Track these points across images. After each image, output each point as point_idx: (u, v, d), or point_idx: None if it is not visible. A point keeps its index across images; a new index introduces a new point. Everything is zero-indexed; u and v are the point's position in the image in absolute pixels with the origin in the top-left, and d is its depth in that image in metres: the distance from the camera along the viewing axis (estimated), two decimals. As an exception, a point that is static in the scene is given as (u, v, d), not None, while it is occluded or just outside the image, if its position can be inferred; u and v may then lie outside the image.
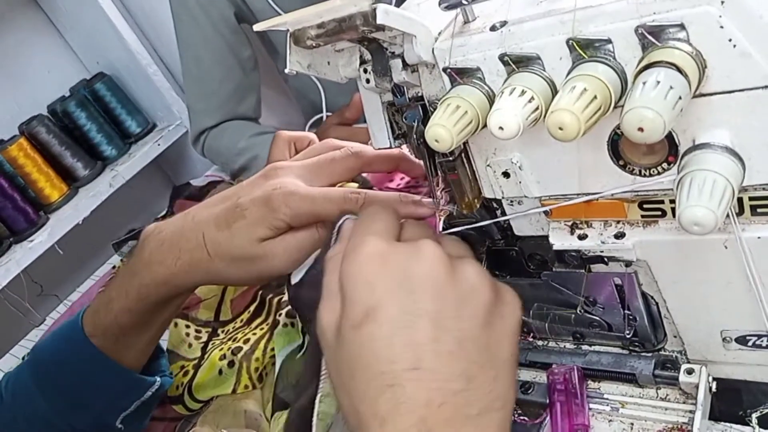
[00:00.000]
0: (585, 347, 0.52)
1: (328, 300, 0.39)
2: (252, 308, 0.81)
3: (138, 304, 0.52)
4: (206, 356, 0.75)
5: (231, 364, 0.72)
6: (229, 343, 0.75)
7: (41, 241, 1.29)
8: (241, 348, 0.73)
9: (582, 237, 0.43)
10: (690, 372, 0.45)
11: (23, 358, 0.60)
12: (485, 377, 0.36)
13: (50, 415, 0.56)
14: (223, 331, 0.80)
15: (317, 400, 0.41)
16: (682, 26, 0.32)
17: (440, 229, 0.49)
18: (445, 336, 0.35)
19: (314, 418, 0.41)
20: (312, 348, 0.44)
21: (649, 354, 0.49)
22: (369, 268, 0.37)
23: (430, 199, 0.49)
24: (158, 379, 0.60)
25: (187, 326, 0.81)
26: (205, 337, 0.80)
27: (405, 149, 0.53)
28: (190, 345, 0.79)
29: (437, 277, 0.37)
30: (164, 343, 0.78)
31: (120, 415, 0.58)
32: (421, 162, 0.49)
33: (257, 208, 0.47)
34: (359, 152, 0.50)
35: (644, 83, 0.30)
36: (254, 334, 0.75)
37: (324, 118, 1.10)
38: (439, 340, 0.35)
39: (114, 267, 1.12)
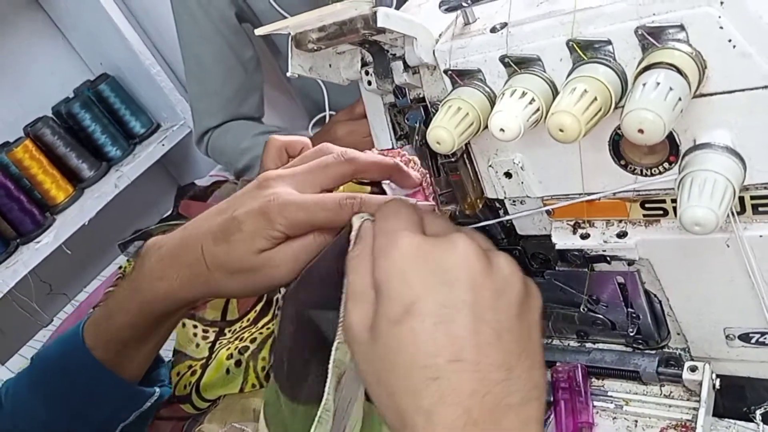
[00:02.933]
0: (589, 345, 0.52)
1: (357, 300, 0.40)
2: (258, 308, 0.81)
3: (140, 319, 0.52)
4: (214, 356, 0.76)
5: (238, 363, 0.72)
6: (236, 342, 0.76)
7: (48, 242, 1.30)
8: (248, 347, 0.73)
9: (584, 236, 0.44)
10: (693, 369, 0.45)
11: (32, 359, 0.61)
12: (522, 367, 0.37)
13: (50, 423, 0.57)
14: (230, 331, 0.81)
15: (334, 347, 0.42)
16: (681, 27, 0.32)
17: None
18: (483, 327, 0.36)
19: (330, 364, 0.41)
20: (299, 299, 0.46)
21: (653, 351, 0.49)
22: (406, 264, 0.38)
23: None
24: (157, 389, 0.61)
25: (195, 326, 0.81)
26: (212, 337, 0.80)
27: (408, 149, 0.53)
28: (197, 345, 0.79)
29: (473, 269, 0.37)
30: (172, 343, 0.79)
31: (119, 426, 0.59)
32: (415, 174, 0.49)
33: (253, 220, 0.47)
34: (353, 158, 0.49)
35: (644, 85, 0.30)
36: (261, 333, 0.75)
37: (327, 117, 1.11)
38: (479, 332, 0.36)
39: (120, 267, 1.12)
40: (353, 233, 0.45)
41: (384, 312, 0.38)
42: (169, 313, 0.53)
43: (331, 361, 0.42)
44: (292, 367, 0.46)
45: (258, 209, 0.47)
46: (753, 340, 0.43)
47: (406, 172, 0.50)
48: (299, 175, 0.49)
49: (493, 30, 0.38)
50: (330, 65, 0.46)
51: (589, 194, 0.41)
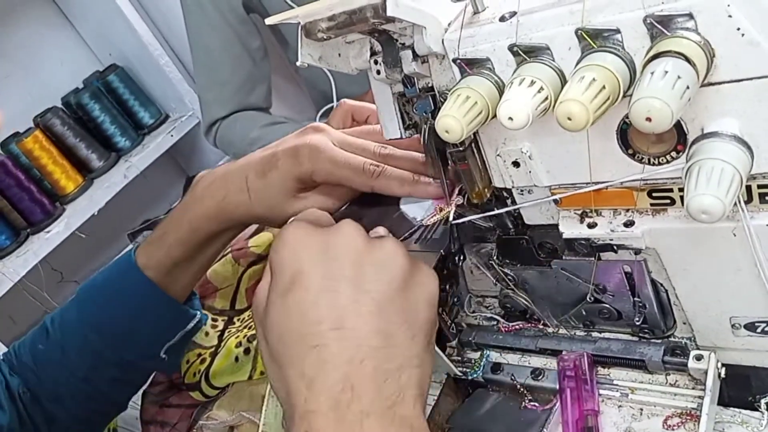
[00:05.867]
0: (595, 334, 0.53)
1: (263, 279, 0.42)
2: (266, 297, 0.82)
3: (190, 235, 0.56)
4: (223, 344, 0.76)
5: (247, 351, 0.73)
6: (245, 330, 0.76)
7: (58, 231, 1.31)
8: (256, 335, 0.74)
9: (591, 225, 0.44)
10: (699, 358, 0.45)
11: (77, 291, 0.63)
12: (403, 336, 0.39)
13: (101, 347, 0.59)
14: (238, 319, 0.82)
15: None
16: (690, 16, 0.32)
17: (451, 218, 0.49)
18: (364, 298, 0.38)
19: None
20: None
21: (659, 340, 0.49)
22: (294, 240, 0.41)
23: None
24: (199, 312, 0.64)
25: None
26: (221, 326, 0.81)
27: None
28: (206, 333, 0.80)
29: (356, 246, 0.41)
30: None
31: (165, 345, 0.62)
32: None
33: (286, 159, 0.51)
34: (388, 155, 0.52)
35: (652, 73, 0.31)
36: (268, 322, 0.76)
37: (334, 108, 1.11)
38: (359, 302, 0.38)
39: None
40: None
41: (275, 285, 0.40)
42: (216, 233, 0.57)
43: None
44: None
45: (292, 149, 0.51)
46: (759, 330, 0.43)
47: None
48: (342, 136, 0.53)
49: (502, 19, 0.38)
50: (339, 54, 0.46)
51: (596, 183, 0.41)
